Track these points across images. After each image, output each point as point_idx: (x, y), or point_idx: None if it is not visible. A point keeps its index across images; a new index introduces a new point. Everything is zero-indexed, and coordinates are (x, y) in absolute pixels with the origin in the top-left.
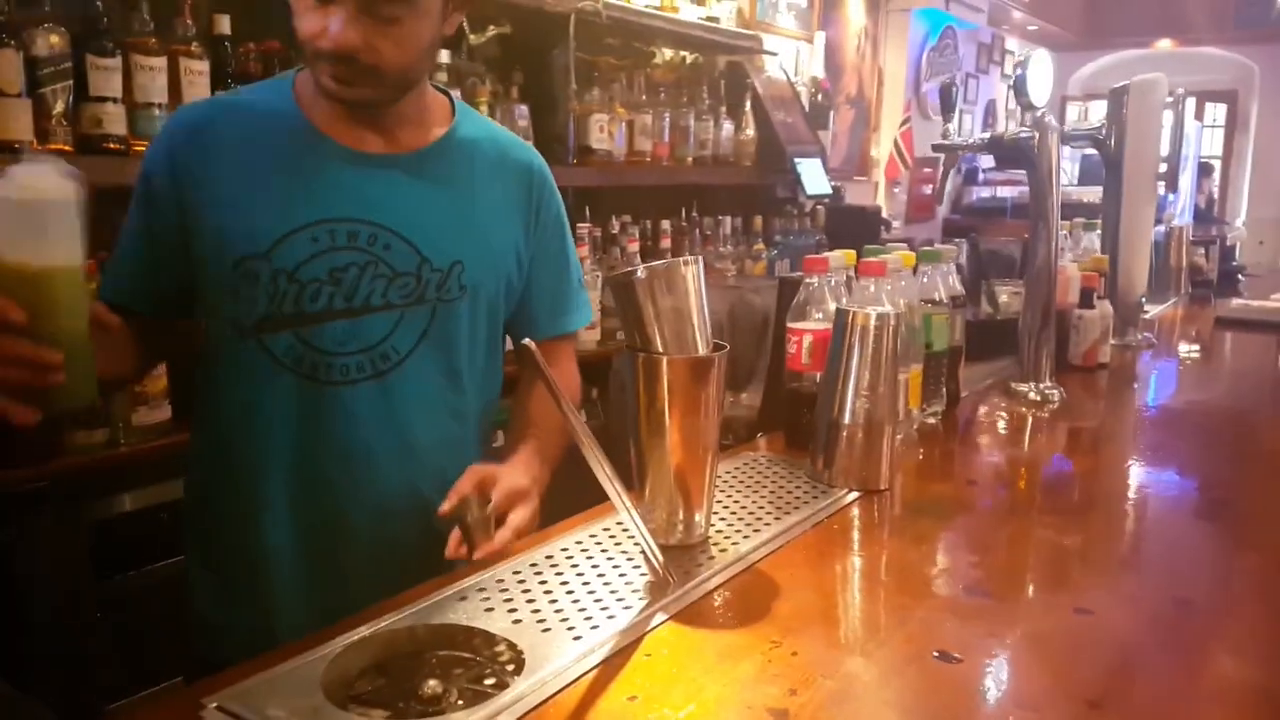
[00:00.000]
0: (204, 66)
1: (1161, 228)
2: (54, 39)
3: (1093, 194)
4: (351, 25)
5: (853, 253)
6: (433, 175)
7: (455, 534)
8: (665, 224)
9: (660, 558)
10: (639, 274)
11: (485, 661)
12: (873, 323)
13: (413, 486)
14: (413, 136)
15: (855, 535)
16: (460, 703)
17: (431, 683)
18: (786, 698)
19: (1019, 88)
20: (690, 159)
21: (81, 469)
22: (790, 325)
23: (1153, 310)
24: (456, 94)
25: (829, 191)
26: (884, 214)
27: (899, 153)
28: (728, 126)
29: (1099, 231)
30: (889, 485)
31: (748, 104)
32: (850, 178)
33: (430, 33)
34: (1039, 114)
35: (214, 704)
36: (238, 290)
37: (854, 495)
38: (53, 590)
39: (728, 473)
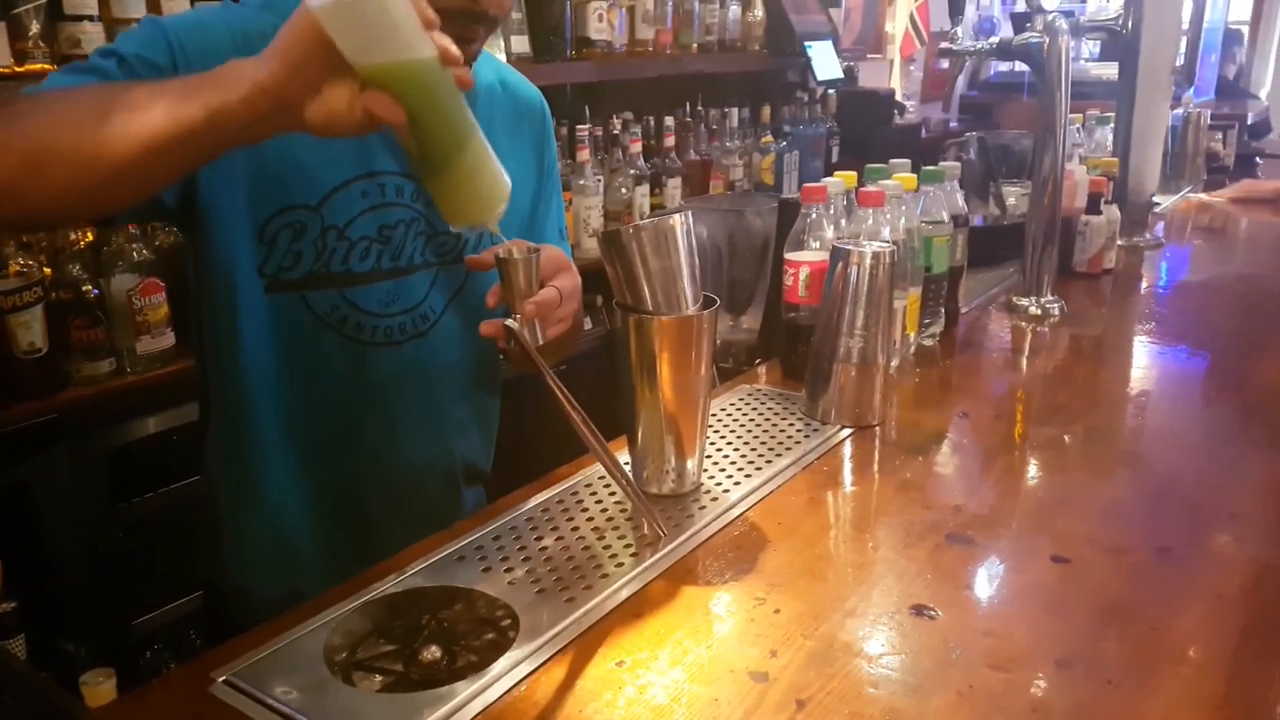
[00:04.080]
0: None
1: (1180, 111)
2: None
3: (1111, 70)
4: None
5: (853, 175)
6: None
7: (495, 288)
8: (669, 120)
9: (653, 514)
10: (628, 230)
11: (482, 626)
12: (867, 261)
13: (441, 447)
14: None
15: (844, 478)
16: (459, 665)
17: (433, 648)
18: (767, 660)
19: None
20: (695, 46)
21: (90, 399)
22: (787, 256)
23: (1165, 202)
24: None
25: (841, 76)
26: (899, 95)
27: (915, 28)
28: (734, 8)
29: (1113, 125)
30: (881, 420)
31: None
32: (864, 56)
33: None
34: (1050, 18)
35: (222, 678)
36: (276, 240)
37: (846, 432)
38: (72, 518)
39: (723, 409)
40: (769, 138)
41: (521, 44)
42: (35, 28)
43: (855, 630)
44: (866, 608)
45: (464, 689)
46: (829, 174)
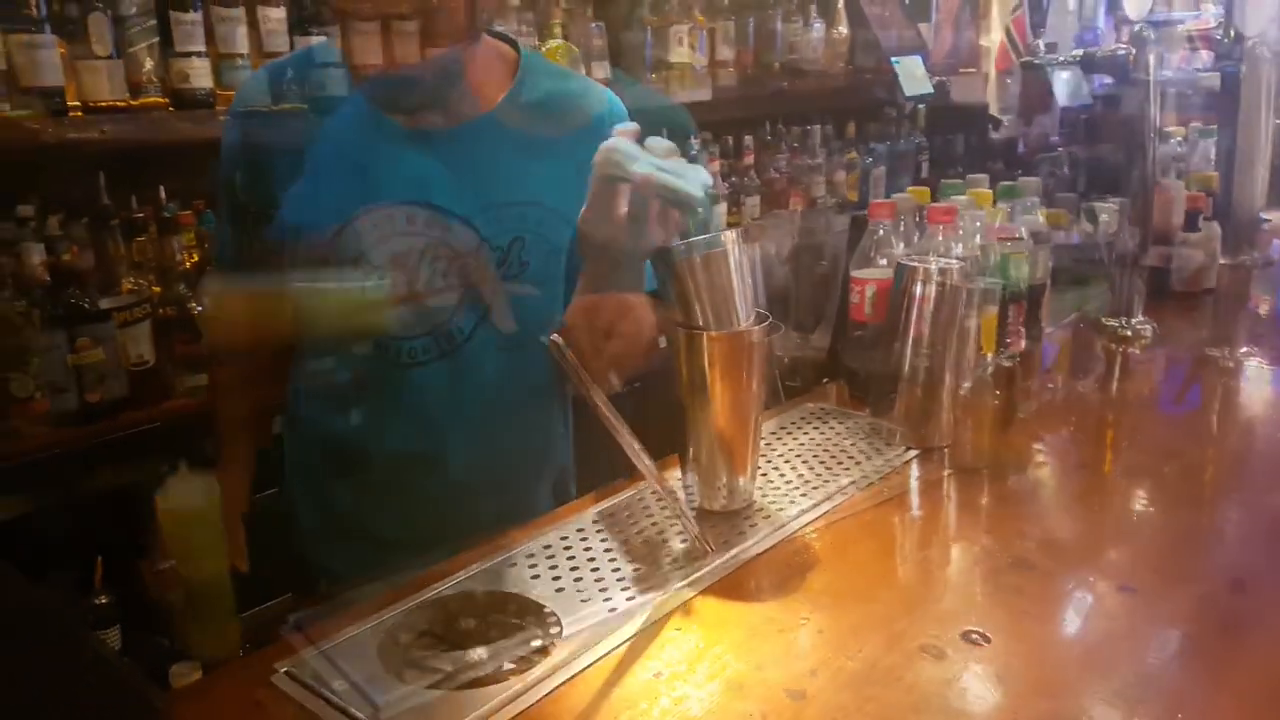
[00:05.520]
0: (281, 14)
1: None
2: None
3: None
4: None
5: (926, 191)
6: (491, 146)
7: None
8: (748, 139)
9: (698, 530)
10: (680, 247)
11: (529, 631)
12: (934, 278)
13: (487, 462)
14: (471, 104)
15: (904, 501)
16: (504, 668)
17: (479, 650)
18: (806, 678)
19: (1113, 0)
20: (777, 65)
21: (192, 411)
22: (854, 274)
23: (1276, 217)
24: (530, 42)
25: (930, 91)
26: (994, 109)
27: (1011, 41)
28: (818, 26)
29: (1216, 138)
30: (949, 442)
31: None
32: (956, 71)
33: None
34: (1137, 28)
35: (284, 669)
36: (306, 271)
37: (912, 453)
38: None
39: (782, 429)
40: (853, 154)
41: (603, 69)
42: (149, 64)
43: (900, 654)
44: (915, 631)
45: (504, 691)
46: None
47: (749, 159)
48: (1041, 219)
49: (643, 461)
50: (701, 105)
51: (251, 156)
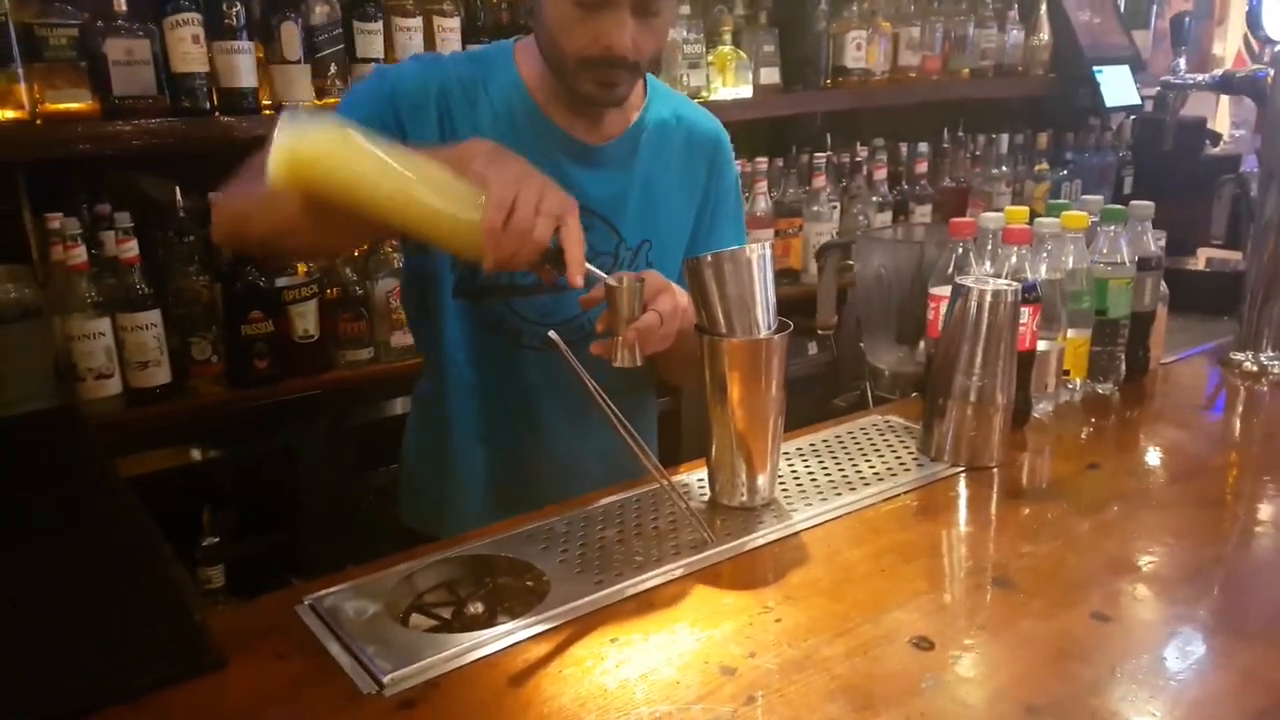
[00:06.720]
0: (455, 24)
1: None
2: (326, 9)
3: None
4: (626, 29)
5: (1023, 211)
6: (629, 160)
7: (603, 313)
8: (922, 146)
9: (700, 520)
10: (705, 259)
11: (526, 594)
12: (987, 299)
13: (589, 450)
14: (614, 122)
15: (924, 513)
16: (495, 623)
17: (478, 605)
18: (744, 659)
19: (1253, 20)
20: (966, 71)
21: (350, 381)
22: (931, 291)
23: None
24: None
25: (1136, 102)
26: (1227, 123)
27: (1249, 50)
28: (1015, 32)
29: None
30: (999, 462)
31: (1043, 4)
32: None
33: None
34: (1278, 49)
35: (308, 600)
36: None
37: (956, 471)
38: (326, 480)
39: (836, 437)
40: (1044, 165)
41: (772, 75)
42: (334, 68)
43: (842, 648)
44: (867, 631)
45: (472, 639)
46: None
47: (921, 166)
48: (1151, 245)
49: (646, 456)
50: (878, 112)
51: (414, 126)
